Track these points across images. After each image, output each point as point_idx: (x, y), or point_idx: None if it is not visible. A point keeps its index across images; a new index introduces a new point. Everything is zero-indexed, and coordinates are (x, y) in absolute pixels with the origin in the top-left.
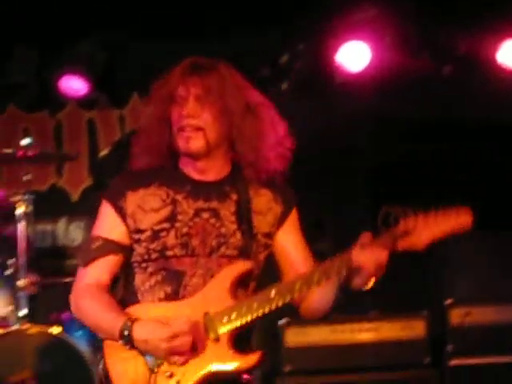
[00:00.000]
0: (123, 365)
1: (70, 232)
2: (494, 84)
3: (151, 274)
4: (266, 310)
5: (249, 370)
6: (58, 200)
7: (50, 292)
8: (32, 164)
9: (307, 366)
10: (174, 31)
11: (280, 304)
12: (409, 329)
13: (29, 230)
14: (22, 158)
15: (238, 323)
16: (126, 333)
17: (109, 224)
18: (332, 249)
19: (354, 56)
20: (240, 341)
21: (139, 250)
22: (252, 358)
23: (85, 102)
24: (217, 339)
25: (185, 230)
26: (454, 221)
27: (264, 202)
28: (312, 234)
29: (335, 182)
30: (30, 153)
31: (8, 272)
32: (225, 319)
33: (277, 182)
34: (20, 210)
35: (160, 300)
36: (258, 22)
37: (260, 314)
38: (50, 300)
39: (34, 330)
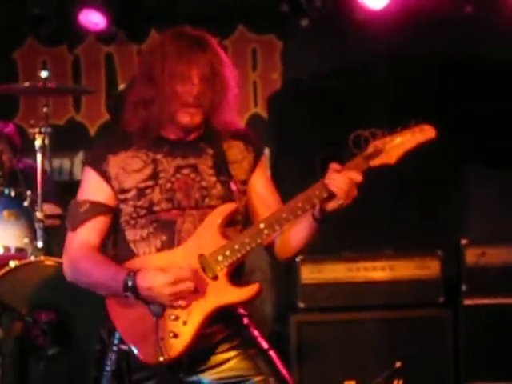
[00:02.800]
0: (129, 319)
1: None
2: None
3: (142, 227)
4: (258, 242)
5: (250, 300)
6: (75, 134)
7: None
8: (50, 97)
9: (321, 303)
10: None
11: (270, 236)
12: (423, 268)
13: (47, 164)
14: (41, 89)
15: (232, 259)
16: (129, 283)
17: (94, 187)
18: None
19: None
20: (235, 275)
21: (127, 209)
22: (251, 289)
23: (103, 37)
24: (215, 277)
25: (168, 185)
26: (419, 135)
27: (237, 152)
28: (320, 173)
29: (345, 121)
30: (49, 85)
31: (26, 203)
32: (220, 257)
33: (246, 134)
34: (38, 142)
35: (157, 249)
36: None
37: (252, 248)
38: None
39: (50, 261)
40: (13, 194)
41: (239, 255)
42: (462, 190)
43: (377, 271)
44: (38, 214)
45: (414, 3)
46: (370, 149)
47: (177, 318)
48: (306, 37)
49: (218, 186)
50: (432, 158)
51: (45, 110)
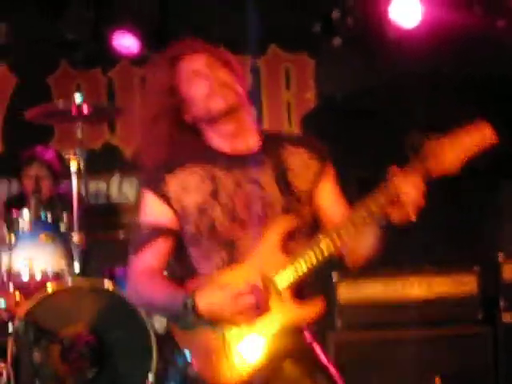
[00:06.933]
0: (194, 340)
1: (123, 188)
2: None
3: (204, 246)
4: (320, 257)
5: (315, 317)
6: (111, 157)
7: (104, 248)
8: (85, 121)
9: (359, 321)
10: None
11: (332, 249)
12: (460, 284)
13: (82, 187)
14: (75, 114)
15: (295, 276)
16: (189, 303)
17: (154, 210)
18: None
19: (406, 12)
20: (301, 290)
21: (189, 229)
22: (315, 306)
23: (137, 60)
24: (279, 295)
25: (230, 204)
26: (476, 135)
27: (300, 160)
28: (356, 193)
29: (380, 140)
30: (84, 110)
31: (62, 227)
32: (282, 274)
33: (310, 141)
34: (73, 167)
35: (218, 266)
36: None
37: (314, 263)
38: (104, 255)
39: (87, 284)
40: (49, 218)
41: (301, 272)
42: (498, 205)
43: (414, 288)
44: (75, 238)
45: (447, 21)
46: (426, 150)
47: (242, 338)
48: (338, 56)
49: (281, 199)
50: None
51: (79, 133)
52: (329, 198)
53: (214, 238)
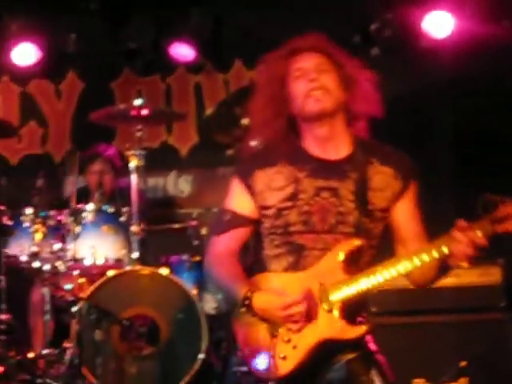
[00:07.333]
0: (248, 328)
1: (179, 184)
2: None
3: (277, 246)
4: (373, 285)
5: (356, 339)
6: (168, 156)
7: (161, 237)
8: (145, 123)
9: (391, 308)
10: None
11: (386, 279)
12: (486, 275)
13: (142, 183)
14: (135, 116)
15: (347, 296)
16: (246, 302)
17: (239, 200)
18: None
19: (438, 24)
20: (352, 311)
21: (266, 224)
22: (358, 330)
23: (192, 67)
24: (329, 310)
25: (306, 208)
26: None
27: (383, 179)
28: None
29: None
30: (143, 112)
31: (122, 219)
32: (337, 291)
33: (398, 160)
34: (132, 163)
35: (284, 269)
36: None
37: (368, 289)
38: (161, 244)
39: (145, 270)
40: (110, 210)
41: (354, 293)
42: None
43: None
44: (134, 228)
45: (478, 32)
46: (499, 213)
47: (289, 341)
48: (377, 65)
49: (355, 213)
50: None
51: (139, 134)
52: (404, 216)
53: (286, 240)
